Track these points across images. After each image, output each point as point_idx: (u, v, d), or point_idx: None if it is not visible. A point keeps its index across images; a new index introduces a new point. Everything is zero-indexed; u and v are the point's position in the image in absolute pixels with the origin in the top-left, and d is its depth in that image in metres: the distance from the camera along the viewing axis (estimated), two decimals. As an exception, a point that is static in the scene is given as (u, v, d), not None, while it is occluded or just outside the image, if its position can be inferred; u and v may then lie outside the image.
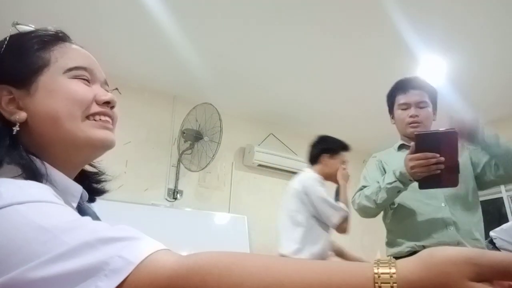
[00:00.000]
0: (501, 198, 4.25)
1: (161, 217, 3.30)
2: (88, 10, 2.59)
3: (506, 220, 3.93)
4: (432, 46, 3.01)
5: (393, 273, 0.38)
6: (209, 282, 0.38)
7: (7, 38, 0.59)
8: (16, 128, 0.54)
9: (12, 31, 0.62)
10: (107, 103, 0.61)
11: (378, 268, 0.38)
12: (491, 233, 2.47)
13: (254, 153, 4.02)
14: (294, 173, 4.42)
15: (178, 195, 3.57)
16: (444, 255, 0.38)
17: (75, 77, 0.58)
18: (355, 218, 2.01)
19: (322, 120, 4.42)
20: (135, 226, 0.42)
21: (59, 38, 0.62)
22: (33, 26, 0.64)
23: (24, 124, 0.55)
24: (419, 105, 1.64)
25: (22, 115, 0.54)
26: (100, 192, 0.69)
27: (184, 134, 3.52)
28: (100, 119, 0.59)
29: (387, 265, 0.39)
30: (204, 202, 3.71)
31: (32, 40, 0.59)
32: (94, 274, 0.36)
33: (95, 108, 0.59)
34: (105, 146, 0.59)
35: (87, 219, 0.44)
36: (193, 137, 3.51)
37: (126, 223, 0.42)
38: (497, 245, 2.37)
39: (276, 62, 3.25)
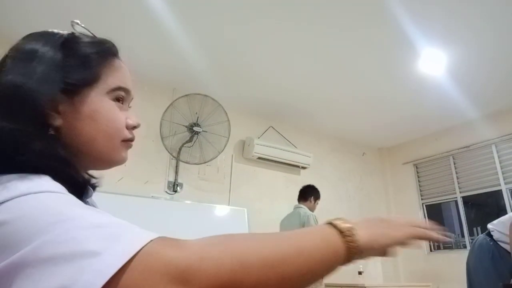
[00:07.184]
0: (500, 191, 4.26)
1: (161, 209, 3.31)
2: (87, 3, 2.57)
3: (504, 212, 3.95)
4: (433, 39, 3.00)
5: (345, 219, 0.49)
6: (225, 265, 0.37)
7: (76, 34, 0.56)
8: (51, 132, 0.51)
9: (72, 27, 0.59)
10: (134, 127, 0.62)
11: (333, 221, 0.48)
12: (489, 226, 2.46)
13: (254, 145, 4.02)
14: (294, 165, 4.46)
15: (178, 188, 3.58)
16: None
17: (115, 99, 0.58)
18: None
19: (322, 113, 4.43)
20: (135, 219, 0.41)
21: (113, 53, 0.60)
22: (89, 30, 0.59)
23: (55, 129, 0.52)
24: None
25: (59, 121, 0.52)
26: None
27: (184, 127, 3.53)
28: (129, 144, 0.61)
29: (338, 218, 0.49)
30: (204, 195, 3.72)
31: (93, 49, 0.56)
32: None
33: (128, 134, 0.60)
34: (122, 163, 0.62)
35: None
36: (186, 129, 3.52)
37: (126, 216, 0.42)
38: (494, 237, 2.35)
39: (277, 54, 3.24)
